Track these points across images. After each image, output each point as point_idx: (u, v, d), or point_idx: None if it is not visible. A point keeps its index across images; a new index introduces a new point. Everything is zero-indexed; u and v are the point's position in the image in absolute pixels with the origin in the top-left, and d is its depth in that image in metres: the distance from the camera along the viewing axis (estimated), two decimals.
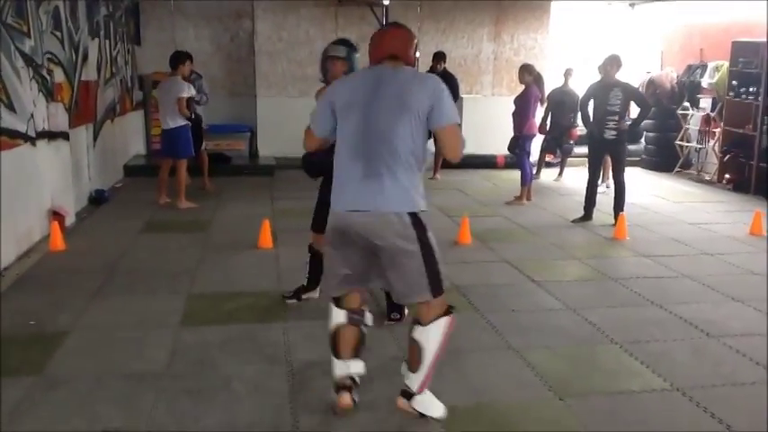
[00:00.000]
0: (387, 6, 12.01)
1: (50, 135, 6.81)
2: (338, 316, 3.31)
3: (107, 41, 9.39)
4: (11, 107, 5.81)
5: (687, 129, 11.76)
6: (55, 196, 6.87)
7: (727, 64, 10.63)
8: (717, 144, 11.11)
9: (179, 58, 8.12)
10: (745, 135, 10.32)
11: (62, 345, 4.22)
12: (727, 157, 10.65)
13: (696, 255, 6.69)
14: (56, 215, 6.72)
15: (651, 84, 12.15)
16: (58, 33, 7.20)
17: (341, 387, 3.33)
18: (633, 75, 11.34)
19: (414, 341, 3.24)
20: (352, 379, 3.36)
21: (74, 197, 7.51)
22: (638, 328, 4.70)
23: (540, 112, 9.59)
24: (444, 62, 10.27)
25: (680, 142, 11.85)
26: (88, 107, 8.35)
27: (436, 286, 3.15)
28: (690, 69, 11.75)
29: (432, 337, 3.20)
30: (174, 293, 5.23)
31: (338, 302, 3.33)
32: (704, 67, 11.39)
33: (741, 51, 10.30)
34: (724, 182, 10.70)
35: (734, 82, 10.44)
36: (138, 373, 3.86)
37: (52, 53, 6.96)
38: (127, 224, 7.41)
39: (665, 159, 11.98)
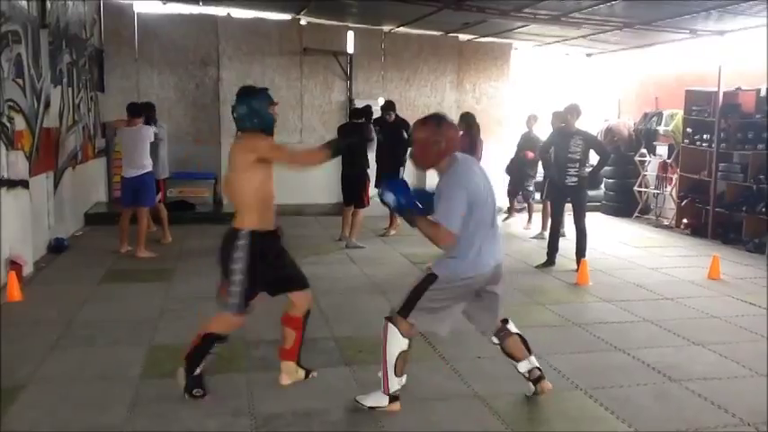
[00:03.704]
0: (351, 55, 12.24)
1: (10, 183, 6.71)
2: (404, 344, 3.96)
3: (70, 89, 9.34)
4: None
5: (645, 175, 12.06)
6: (13, 245, 6.73)
7: (681, 112, 10.97)
8: (674, 190, 11.40)
9: (142, 111, 8.28)
10: (701, 181, 10.61)
11: (18, 399, 4.10)
12: (684, 203, 10.92)
13: (657, 299, 6.79)
14: (13, 264, 6.57)
15: (609, 131, 12.47)
16: (20, 81, 7.14)
17: (394, 398, 4.00)
18: (592, 123, 11.62)
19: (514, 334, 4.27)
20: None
21: (32, 246, 7.35)
22: (601, 373, 4.73)
23: None
24: (394, 111, 9.91)
25: (638, 188, 12.14)
26: (49, 155, 8.26)
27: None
28: (646, 117, 12.10)
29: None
30: (134, 345, 5.13)
31: (406, 333, 3.97)
32: (660, 114, 11.75)
33: (694, 100, 10.65)
34: (682, 227, 10.93)
35: (689, 129, 10.76)
36: (97, 428, 3.76)
37: (13, 101, 6.90)
38: (87, 273, 7.27)
39: (625, 205, 12.24)
